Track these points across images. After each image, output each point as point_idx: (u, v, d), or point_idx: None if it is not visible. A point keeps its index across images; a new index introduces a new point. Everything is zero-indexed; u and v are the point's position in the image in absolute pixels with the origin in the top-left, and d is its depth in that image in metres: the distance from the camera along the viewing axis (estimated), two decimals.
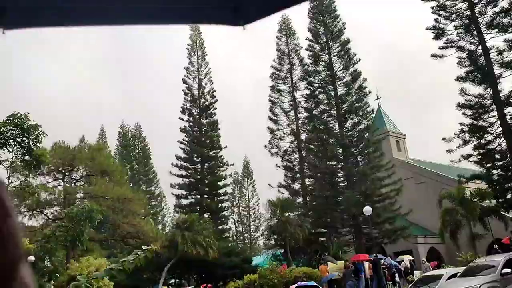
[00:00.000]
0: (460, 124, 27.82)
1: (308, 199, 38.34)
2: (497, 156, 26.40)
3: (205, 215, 52.45)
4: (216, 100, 55.01)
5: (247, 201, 71.47)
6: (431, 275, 20.28)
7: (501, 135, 26.86)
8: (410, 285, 20.70)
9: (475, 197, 23.64)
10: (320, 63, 37.35)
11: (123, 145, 60.85)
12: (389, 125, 51.86)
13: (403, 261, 29.06)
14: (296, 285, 14.53)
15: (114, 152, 63.38)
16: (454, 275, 18.35)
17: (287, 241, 30.23)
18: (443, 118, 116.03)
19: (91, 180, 28.37)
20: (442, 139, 28.25)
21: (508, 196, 24.88)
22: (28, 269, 0.41)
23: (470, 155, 27.66)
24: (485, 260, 17.20)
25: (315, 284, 15.34)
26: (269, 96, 43.88)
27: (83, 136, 29.00)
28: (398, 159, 47.26)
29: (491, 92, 27.32)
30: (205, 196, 51.84)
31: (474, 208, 22.76)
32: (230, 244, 36.27)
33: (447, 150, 28.13)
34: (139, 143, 60.59)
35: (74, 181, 28.28)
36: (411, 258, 29.85)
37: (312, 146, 36.60)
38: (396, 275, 26.76)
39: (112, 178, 29.61)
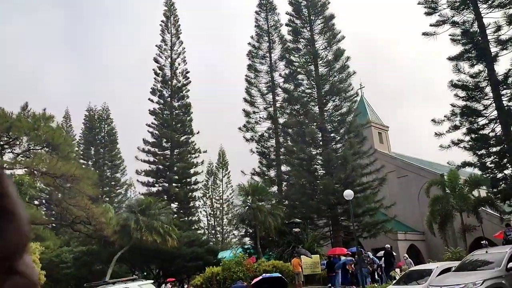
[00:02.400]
0: (452, 105, 25.11)
1: (283, 188, 35.29)
2: (491, 142, 23.79)
3: (173, 205, 49.15)
4: (190, 82, 51.59)
5: (221, 193, 68.06)
6: (418, 269, 17.48)
7: (496, 120, 24.28)
8: (394, 281, 17.78)
9: (467, 185, 20.96)
10: (301, 40, 34.29)
11: (89, 128, 56.69)
12: (372, 116, 49.26)
13: (383, 256, 26.34)
14: (260, 277, 11.96)
15: (80, 136, 59.22)
16: (446, 270, 15.57)
17: (257, 231, 27.10)
18: (426, 115, 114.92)
19: (33, 154, 24.59)
20: (432, 120, 25.48)
21: (503, 186, 22.32)
22: (30, 261, 0.38)
23: (461, 141, 25.01)
24: (486, 252, 14.41)
25: (280, 275, 12.83)
26: (246, 75, 40.59)
27: (26, 103, 25.09)
28: (380, 151, 44.72)
29: (486, 72, 24.72)
30: (174, 184, 48.34)
31: (467, 197, 20.07)
32: (191, 233, 32.78)
33: (436, 134, 25.42)
34: (106, 126, 56.56)
35: (16, 155, 24.45)
36: (405, 255, 27.15)
37: (290, 131, 33.48)
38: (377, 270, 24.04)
39: (59, 153, 25.83)
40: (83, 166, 54.08)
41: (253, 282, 12.57)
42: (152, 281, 17.32)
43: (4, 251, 0.31)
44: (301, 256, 25.23)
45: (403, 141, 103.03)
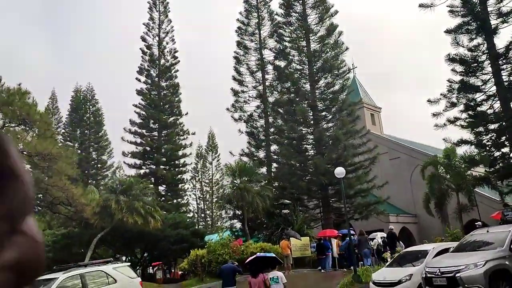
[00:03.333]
0: (449, 81, 23.96)
1: (273, 169, 34.15)
2: (489, 119, 22.75)
3: (161, 187, 47.94)
4: (178, 61, 49.94)
5: (211, 177, 66.87)
6: (413, 251, 16.52)
7: (494, 96, 23.22)
8: (387, 263, 16.80)
9: (464, 163, 19.94)
10: (293, 14, 32.77)
11: (75, 108, 54.92)
12: (364, 97, 48.09)
13: (374, 238, 25.46)
14: (255, 256, 12.00)
15: (66, 118, 57.46)
16: (443, 252, 14.59)
17: (245, 212, 26.01)
18: (418, 99, 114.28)
19: (7, 131, 23.09)
20: (427, 100, 24.39)
21: (500, 165, 21.34)
22: (34, 222, 0.39)
23: (458, 119, 23.95)
24: (487, 231, 13.41)
25: (275, 255, 12.72)
26: (234, 52, 39.04)
27: None
28: (372, 133, 43.73)
29: (485, 46, 23.55)
30: (162, 166, 47.08)
31: (464, 176, 19.07)
32: (176, 214, 31.63)
33: (433, 114, 24.34)
34: (91, 106, 54.81)
35: None
36: (384, 235, 26.17)
37: (280, 109, 32.18)
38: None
39: (36, 130, 24.36)
40: (70, 148, 52.67)
41: (247, 261, 11.98)
42: (129, 263, 16.15)
43: (9, 210, 0.31)
44: (290, 238, 24.26)
45: (395, 123, 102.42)
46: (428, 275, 12.35)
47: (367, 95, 50.22)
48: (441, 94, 24.48)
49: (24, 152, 23.26)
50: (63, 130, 56.87)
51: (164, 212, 32.54)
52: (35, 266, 0.34)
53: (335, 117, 30.32)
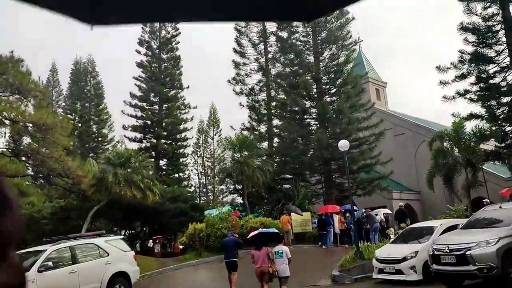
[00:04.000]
0: (460, 52, 22.84)
1: (274, 143, 33.36)
2: (502, 92, 21.75)
3: (162, 162, 47.38)
4: (179, 33, 48.55)
5: (212, 152, 66.19)
6: (418, 227, 15.85)
7: (508, 67, 22.15)
8: (391, 240, 16.18)
9: (474, 138, 19.06)
10: None
11: (75, 81, 53.89)
12: (370, 71, 46.80)
13: (377, 215, 24.87)
14: (256, 231, 12.19)
15: (66, 91, 56.48)
16: (452, 228, 13.90)
17: (245, 186, 25.37)
18: (424, 75, 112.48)
19: (0, 100, 22.31)
20: (436, 67, 23.29)
21: None
22: (15, 252, 0.35)
23: (468, 91, 22.95)
24: (500, 207, 12.65)
25: (277, 231, 12.78)
26: (235, 23, 37.67)
27: None
28: (377, 108, 42.70)
29: (501, 15, 22.34)
30: (162, 140, 46.40)
31: (474, 150, 18.23)
32: (175, 188, 31.06)
33: (441, 82, 23.29)
34: (92, 79, 53.78)
35: None
36: (389, 212, 25.61)
37: (282, 82, 31.14)
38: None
39: (31, 100, 23.56)
40: (66, 118, 51.85)
41: (249, 235, 12.09)
42: (122, 236, 15.56)
43: (1, 239, 0.32)
44: (291, 213, 23.72)
45: (400, 100, 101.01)
46: (436, 253, 11.68)
47: (373, 69, 48.94)
48: (451, 64, 23.39)
49: (20, 123, 22.57)
50: (63, 104, 56.06)
51: (164, 186, 32.00)
52: None
53: (339, 90, 29.29)
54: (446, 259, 11.40)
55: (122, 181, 21.92)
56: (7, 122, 23.62)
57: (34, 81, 23.88)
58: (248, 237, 12.07)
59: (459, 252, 11.05)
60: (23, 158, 25.45)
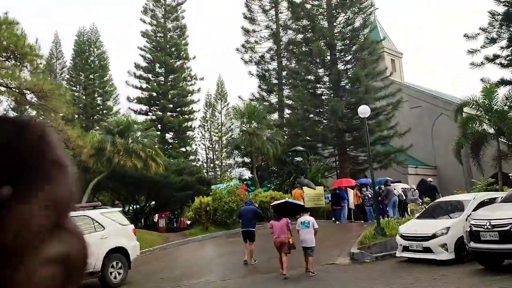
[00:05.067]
0: (491, 13, 20.82)
1: (285, 114, 31.67)
2: None
3: (168, 135, 46.09)
4: (185, 0, 46.48)
5: (220, 126, 64.66)
6: (446, 201, 14.34)
7: None
8: (417, 214, 14.69)
9: (508, 104, 17.31)
10: None
11: (78, 52, 52.18)
12: (385, 41, 44.52)
13: (394, 189, 23.37)
14: (283, 200, 12.39)
15: (70, 63, 54.85)
16: (487, 202, 12.38)
17: (254, 158, 23.92)
18: (441, 45, 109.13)
19: None
20: (464, 35, 21.38)
21: None
22: (75, 222, 0.39)
23: (498, 56, 21.03)
24: None
25: (303, 204, 12.70)
26: None
27: None
28: (393, 80, 40.68)
29: None
30: (168, 112, 44.98)
31: (508, 117, 16.52)
32: (181, 160, 29.71)
33: (469, 51, 21.41)
34: (95, 49, 52.04)
35: None
36: (407, 186, 24.04)
37: (294, 49, 29.22)
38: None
39: (27, 65, 22.01)
40: (75, 94, 50.51)
41: (274, 203, 12.22)
42: (120, 208, 14.19)
43: (54, 202, 0.31)
44: (303, 187, 22.28)
45: (417, 73, 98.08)
46: (475, 229, 10.18)
47: (388, 38, 46.59)
48: (480, 29, 21.44)
49: (16, 90, 21.14)
50: (67, 76, 54.53)
51: (171, 159, 30.64)
52: (81, 265, 0.33)
53: (355, 57, 27.35)
54: (487, 236, 9.91)
55: (121, 150, 20.53)
56: (2, 88, 22.23)
57: (30, 45, 22.28)
58: (273, 204, 11.94)
59: (504, 228, 9.56)
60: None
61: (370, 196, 22.02)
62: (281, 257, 10.58)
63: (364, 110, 15.56)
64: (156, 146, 22.86)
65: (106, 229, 12.17)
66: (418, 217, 13.97)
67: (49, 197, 0.30)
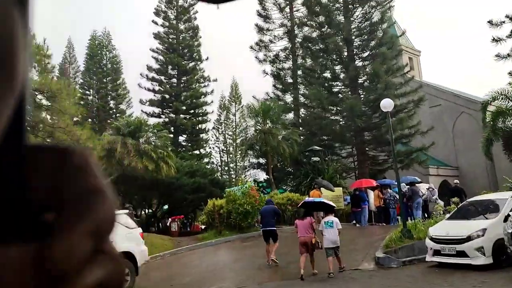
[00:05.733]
0: None
1: (301, 114, 30.57)
2: None
3: (181, 137, 45.42)
4: (197, 1, 45.74)
5: (234, 129, 63.82)
6: (480, 201, 13.15)
7: None
8: (448, 215, 13.56)
9: None
10: None
11: (91, 55, 52.00)
12: (403, 39, 43.21)
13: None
14: (319, 199, 12.83)
15: (83, 66, 54.73)
16: None
17: (269, 159, 22.94)
18: (460, 43, 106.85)
19: None
20: (488, 22, 20.15)
21: None
22: (114, 244, 0.37)
23: None
24: None
25: (324, 200, 12.36)
26: None
27: None
28: (411, 78, 39.36)
29: None
30: (181, 115, 44.31)
31: None
32: (193, 162, 28.85)
33: (493, 39, 20.17)
34: (108, 52, 51.80)
35: None
36: (432, 186, 22.75)
37: (310, 45, 28.17)
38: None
39: (35, 65, 21.55)
40: (88, 98, 50.31)
41: (308, 199, 12.65)
42: (127, 211, 13.35)
43: (95, 228, 0.32)
44: (321, 188, 21.22)
45: (435, 71, 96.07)
46: None
47: (406, 36, 45.25)
48: (506, 16, 20.19)
49: None
50: (81, 80, 54.42)
51: (183, 161, 29.83)
52: None
53: (373, 53, 26.19)
54: None
55: (132, 151, 19.77)
56: None
57: (37, 45, 21.83)
58: (306, 200, 12.13)
59: None
60: (29, 129, 23.54)
61: (394, 197, 20.91)
62: (305, 257, 10.51)
63: (387, 104, 14.50)
64: (169, 148, 22.04)
65: None
66: (450, 218, 12.83)
67: (92, 225, 0.31)
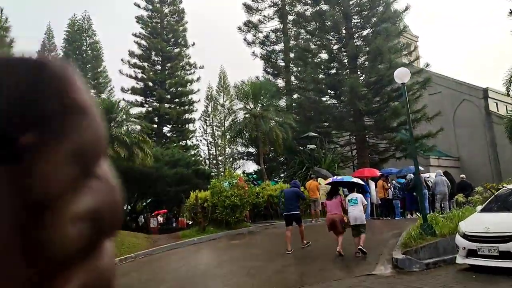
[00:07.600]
0: None
1: (294, 98, 27.97)
2: None
3: (165, 128, 42.72)
4: None
5: (222, 120, 61.05)
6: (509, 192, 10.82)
7: None
8: (480, 208, 11.15)
9: None
10: None
11: (70, 41, 48.85)
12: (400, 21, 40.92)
13: (428, 177, 20.03)
14: (330, 179, 12.25)
15: (61, 51, 51.49)
16: None
17: (260, 145, 20.40)
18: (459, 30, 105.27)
19: None
20: None
21: None
22: (107, 166, 0.34)
23: None
24: None
25: (353, 179, 11.57)
26: None
27: None
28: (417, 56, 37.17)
29: None
30: (166, 104, 41.56)
31: None
32: (175, 151, 26.18)
33: (511, 11, 17.95)
34: (88, 38, 48.70)
35: None
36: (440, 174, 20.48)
37: (304, 23, 25.62)
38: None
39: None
40: None
41: (338, 179, 12.17)
42: None
43: (79, 150, 0.28)
44: (319, 178, 18.85)
45: (433, 58, 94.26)
46: None
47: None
48: None
49: None
50: None
51: (164, 149, 27.20)
52: (113, 216, 0.30)
53: (375, 29, 23.74)
54: None
55: None
56: None
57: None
58: (335, 180, 11.82)
59: None
60: None
61: (399, 187, 18.86)
62: (337, 235, 10.54)
63: (402, 74, 12.03)
64: (149, 137, 19.42)
65: None
66: (482, 210, 10.46)
67: (75, 145, 0.27)
